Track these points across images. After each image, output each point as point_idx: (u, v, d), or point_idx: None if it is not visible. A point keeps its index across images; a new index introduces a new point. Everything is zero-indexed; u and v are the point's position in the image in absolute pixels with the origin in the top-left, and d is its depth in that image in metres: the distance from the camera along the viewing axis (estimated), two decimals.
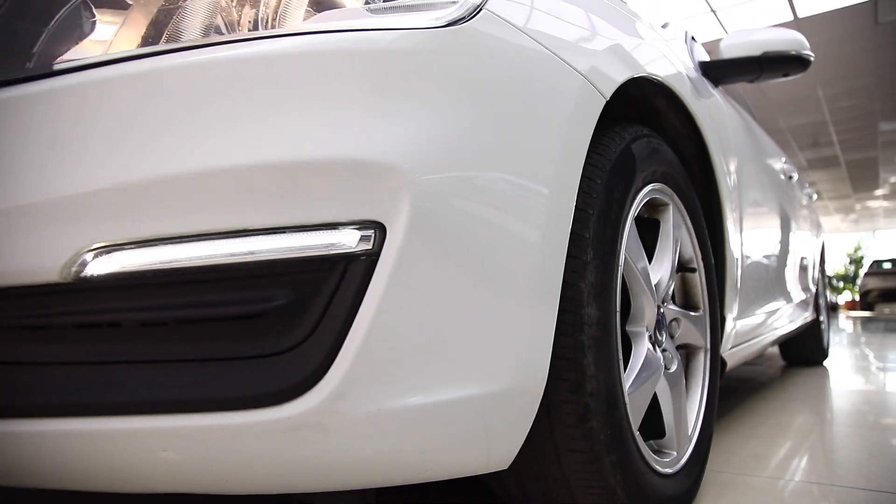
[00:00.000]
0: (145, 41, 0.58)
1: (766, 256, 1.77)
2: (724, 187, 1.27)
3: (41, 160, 0.53)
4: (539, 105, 0.67)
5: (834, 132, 10.75)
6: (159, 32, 0.58)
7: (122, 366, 0.53)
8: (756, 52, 1.51)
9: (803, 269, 2.55)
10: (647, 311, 0.89)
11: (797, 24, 6.80)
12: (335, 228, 0.53)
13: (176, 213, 0.52)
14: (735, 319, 1.40)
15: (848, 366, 3.25)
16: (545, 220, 0.65)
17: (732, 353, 1.48)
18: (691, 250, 1.09)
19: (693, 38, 1.69)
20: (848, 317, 12.14)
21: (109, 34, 0.60)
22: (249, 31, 0.59)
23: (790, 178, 2.31)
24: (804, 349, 3.04)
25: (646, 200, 0.92)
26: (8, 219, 0.52)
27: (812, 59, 1.54)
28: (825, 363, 3.20)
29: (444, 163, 0.56)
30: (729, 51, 1.53)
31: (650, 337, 0.91)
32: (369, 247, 0.53)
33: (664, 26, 1.56)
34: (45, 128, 0.54)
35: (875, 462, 1.36)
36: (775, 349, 3.53)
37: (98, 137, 0.53)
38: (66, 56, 0.61)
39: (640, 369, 0.85)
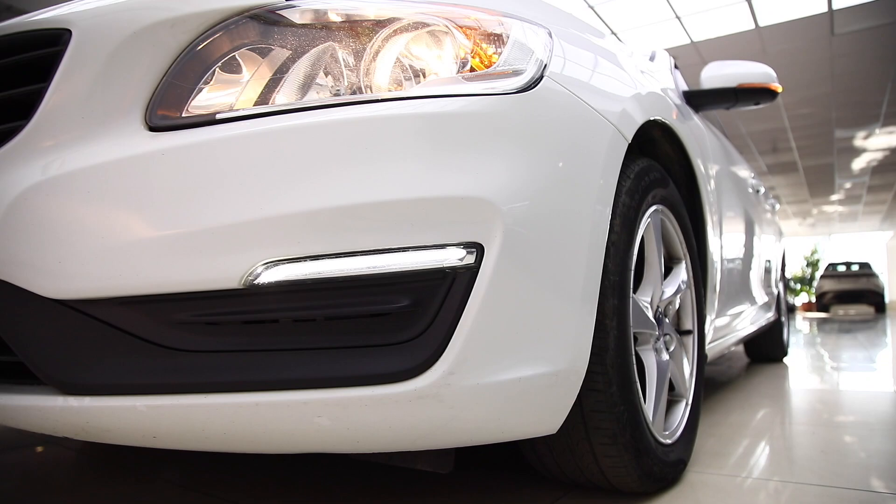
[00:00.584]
0: (292, 97, 0.77)
1: (739, 262, 2.05)
2: (706, 204, 1.52)
3: (223, 191, 0.71)
4: (583, 149, 0.89)
5: (792, 138, 11.37)
6: (299, 90, 0.77)
7: (285, 352, 0.72)
8: (731, 83, 1.78)
9: (767, 272, 2.87)
10: (654, 293, 1.16)
11: (758, 32, 7.21)
12: (446, 248, 0.73)
13: (325, 236, 0.71)
14: (713, 319, 1.66)
15: (805, 366, 3.49)
16: (589, 238, 0.87)
17: (710, 348, 1.75)
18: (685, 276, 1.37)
19: (676, 65, 1.95)
20: (805, 318, 12.62)
21: (273, 88, 0.78)
22: (370, 92, 0.79)
23: (758, 191, 2.63)
24: (766, 347, 3.39)
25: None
26: (198, 238, 0.70)
27: (780, 90, 1.82)
28: (784, 360, 3.55)
29: (523, 196, 0.77)
30: (708, 82, 1.79)
31: (652, 314, 1.16)
32: (472, 262, 0.73)
33: (652, 58, 1.81)
34: (220, 166, 0.72)
35: (826, 458, 1.46)
36: (739, 347, 3.87)
37: (266, 177, 0.72)
38: (216, 107, 0.79)
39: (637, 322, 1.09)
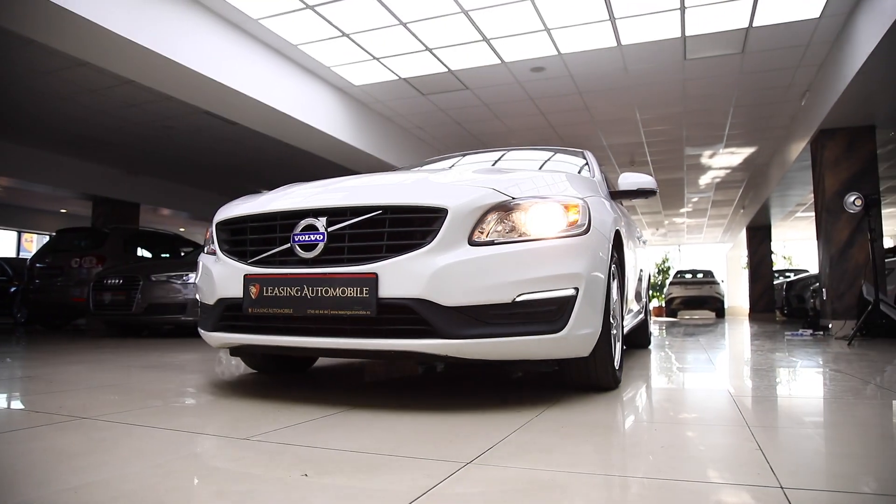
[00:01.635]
0: (512, 234, 2.72)
1: (632, 284, 4.31)
2: (627, 259, 3.71)
3: (501, 269, 2.64)
4: (600, 251, 2.95)
5: (648, 153, 13.69)
6: (511, 229, 2.72)
7: (521, 323, 2.67)
8: (634, 187, 3.99)
9: (640, 285, 5.24)
10: (613, 301, 3.28)
11: (620, 50, 8.63)
12: (567, 289, 2.74)
13: (534, 285, 2.68)
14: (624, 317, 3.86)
15: (655, 367, 4.46)
16: (603, 283, 2.94)
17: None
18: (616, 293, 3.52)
19: (604, 173, 4.15)
20: (655, 322, 15.24)
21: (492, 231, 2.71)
22: (532, 235, 2.76)
23: (640, 238, 4.99)
24: (637, 338, 5.82)
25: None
26: (498, 285, 2.62)
27: (657, 191, 4.06)
28: (649, 347, 5.98)
29: (588, 270, 2.81)
30: (623, 185, 4.00)
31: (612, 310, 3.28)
32: (575, 294, 2.76)
33: (592, 172, 3.97)
34: (498, 260, 2.65)
35: (665, 453, 1.69)
36: None
37: (515, 265, 2.66)
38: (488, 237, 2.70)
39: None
